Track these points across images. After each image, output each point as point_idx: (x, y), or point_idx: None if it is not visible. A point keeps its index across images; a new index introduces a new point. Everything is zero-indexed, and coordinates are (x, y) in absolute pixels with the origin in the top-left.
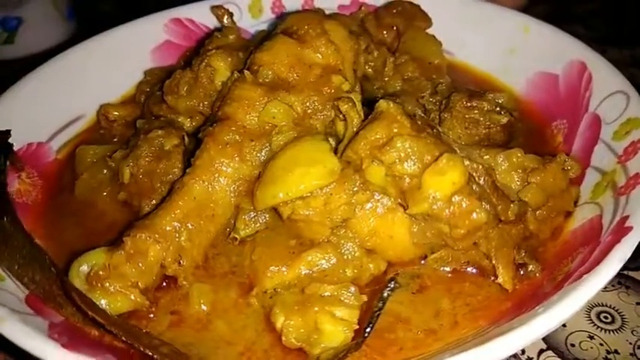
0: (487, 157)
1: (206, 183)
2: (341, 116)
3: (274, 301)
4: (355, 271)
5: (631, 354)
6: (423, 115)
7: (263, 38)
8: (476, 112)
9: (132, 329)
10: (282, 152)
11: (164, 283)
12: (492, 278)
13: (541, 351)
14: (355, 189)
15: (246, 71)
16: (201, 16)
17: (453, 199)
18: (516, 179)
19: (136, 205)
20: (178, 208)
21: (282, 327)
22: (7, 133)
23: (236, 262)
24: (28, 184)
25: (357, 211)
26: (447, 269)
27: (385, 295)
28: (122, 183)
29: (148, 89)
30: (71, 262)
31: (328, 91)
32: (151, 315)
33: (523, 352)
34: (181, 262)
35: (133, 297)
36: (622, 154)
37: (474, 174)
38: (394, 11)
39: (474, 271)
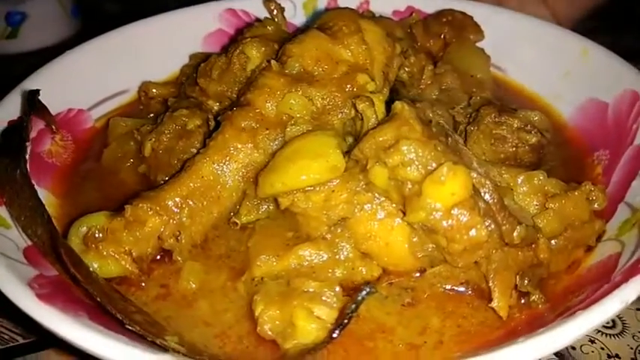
0: (507, 175)
1: (216, 165)
2: (359, 115)
3: (258, 289)
4: (345, 272)
5: (632, 359)
6: (442, 123)
7: (299, 31)
8: (504, 128)
9: (109, 292)
10: (291, 143)
11: (160, 257)
12: (488, 302)
13: None
14: (358, 189)
15: (273, 61)
16: (256, 9)
17: (453, 212)
18: (535, 203)
19: (153, 179)
20: (185, 184)
21: (258, 316)
22: (37, 92)
23: (233, 246)
24: (61, 146)
25: (357, 212)
26: (445, 287)
27: (359, 298)
28: (144, 156)
29: (189, 73)
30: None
31: (351, 88)
32: (142, 284)
33: None
34: (179, 237)
35: (123, 263)
36: None
37: (481, 188)
38: (443, 20)
39: (473, 292)
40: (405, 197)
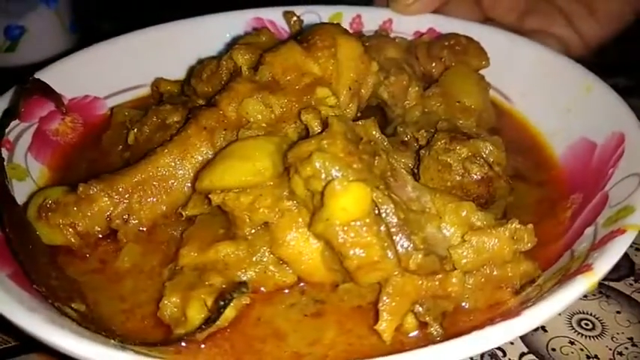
0: (439, 203)
1: (174, 157)
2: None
3: (174, 276)
4: (257, 274)
5: (610, 359)
6: (380, 143)
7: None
8: (451, 155)
9: (38, 256)
10: (232, 143)
11: (109, 235)
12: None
13: (522, 354)
14: (283, 195)
15: (244, 67)
16: (283, 20)
17: (347, 228)
18: (458, 233)
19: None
20: (141, 172)
21: (162, 300)
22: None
23: (175, 235)
24: (70, 127)
25: (277, 218)
26: (353, 304)
27: (228, 296)
28: (128, 144)
29: None
30: None
31: (309, 100)
32: (87, 256)
33: (505, 354)
34: (127, 220)
35: (66, 234)
36: (595, 244)
37: (383, 206)
38: (446, 44)
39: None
40: (314, 208)
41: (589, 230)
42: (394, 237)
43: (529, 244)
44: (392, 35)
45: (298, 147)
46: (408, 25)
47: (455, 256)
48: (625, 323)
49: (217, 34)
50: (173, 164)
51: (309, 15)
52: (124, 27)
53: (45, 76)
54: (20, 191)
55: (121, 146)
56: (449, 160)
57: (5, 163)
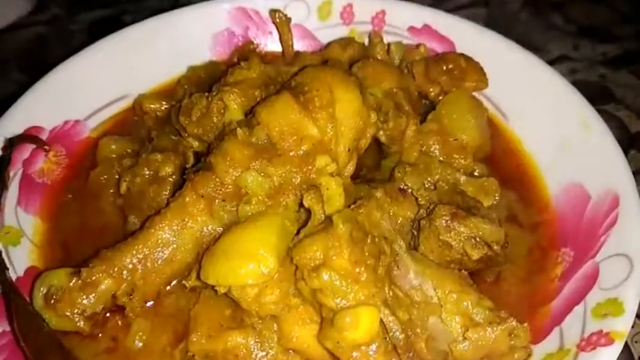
0: (439, 291)
1: (174, 227)
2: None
3: None
4: None
5: None
6: (385, 230)
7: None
8: (451, 236)
9: (49, 346)
10: (234, 229)
11: (115, 309)
12: None
13: None
14: (290, 291)
15: (239, 130)
16: (266, 10)
17: (357, 351)
18: (459, 325)
19: (127, 216)
20: (141, 245)
21: None
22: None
23: (182, 306)
24: (53, 162)
25: (284, 313)
26: None
27: None
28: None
29: (186, 86)
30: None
31: (310, 170)
32: (99, 335)
33: None
34: (132, 296)
35: (77, 322)
36: (584, 339)
37: (390, 325)
38: (444, 68)
39: None
40: (323, 317)
41: (578, 310)
42: (401, 356)
43: (525, 342)
44: (385, 29)
45: (302, 246)
46: (401, 19)
47: (456, 353)
48: None
49: (197, 31)
50: (173, 235)
51: (297, 4)
52: None
53: (20, 107)
54: (17, 257)
55: (112, 190)
56: (449, 240)
57: None
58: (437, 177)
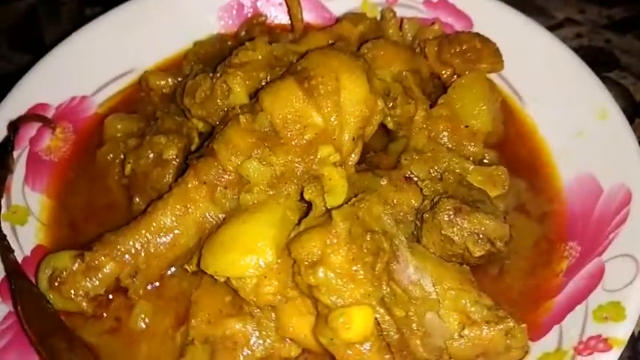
0: (439, 288)
1: (176, 213)
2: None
3: (187, 350)
4: (265, 352)
5: None
6: (385, 225)
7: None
8: (454, 230)
9: (52, 328)
10: (234, 221)
11: (118, 289)
12: None
13: None
14: (289, 282)
15: (242, 117)
16: None
17: (351, 348)
18: (456, 322)
19: (132, 196)
20: (144, 230)
21: None
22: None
23: (184, 289)
24: (61, 139)
25: (282, 304)
26: None
27: None
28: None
29: (193, 62)
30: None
31: (312, 160)
32: (104, 315)
33: None
34: (135, 278)
35: (79, 302)
36: (582, 342)
37: (385, 324)
38: (457, 49)
39: None
40: (318, 312)
41: (579, 310)
42: (394, 355)
43: (521, 342)
44: (400, 1)
45: (300, 242)
46: None
47: (451, 350)
48: None
49: (205, 3)
50: (174, 220)
51: None
52: None
53: (25, 84)
54: (25, 236)
55: (118, 170)
56: (452, 235)
57: (4, 210)
58: (444, 165)
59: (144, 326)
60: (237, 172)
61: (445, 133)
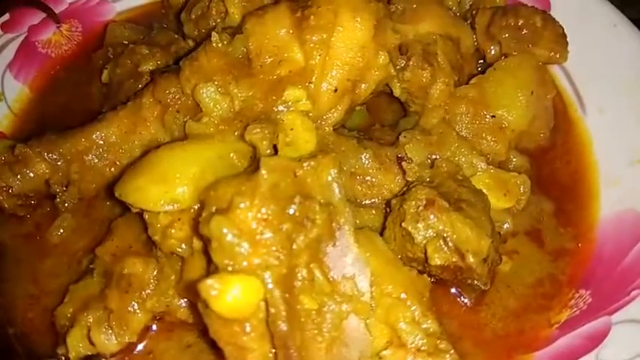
0: (376, 290)
1: (123, 129)
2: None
3: (83, 279)
4: (158, 305)
5: None
6: (315, 204)
7: None
8: (418, 225)
9: None
10: (164, 146)
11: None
12: None
13: None
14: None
15: (215, 36)
16: None
17: (230, 326)
18: (385, 339)
19: (104, 104)
20: (85, 138)
21: (57, 311)
22: None
23: (107, 214)
24: (65, 36)
25: (188, 255)
26: None
27: None
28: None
29: None
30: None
31: (274, 101)
32: (28, 216)
33: None
34: (66, 188)
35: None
36: None
37: (275, 310)
38: (512, 22)
39: None
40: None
41: None
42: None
43: None
44: None
45: (214, 184)
46: None
47: None
48: None
49: None
50: (119, 137)
51: None
52: None
53: None
54: None
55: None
56: (412, 231)
57: None
58: (447, 155)
59: (58, 241)
60: (192, 100)
61: (464, 118)
